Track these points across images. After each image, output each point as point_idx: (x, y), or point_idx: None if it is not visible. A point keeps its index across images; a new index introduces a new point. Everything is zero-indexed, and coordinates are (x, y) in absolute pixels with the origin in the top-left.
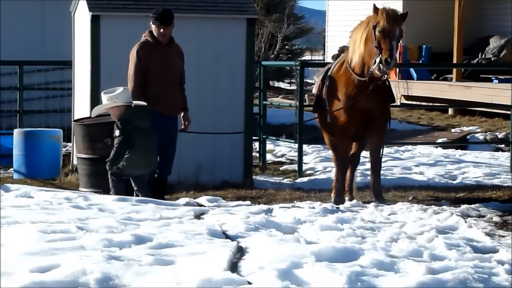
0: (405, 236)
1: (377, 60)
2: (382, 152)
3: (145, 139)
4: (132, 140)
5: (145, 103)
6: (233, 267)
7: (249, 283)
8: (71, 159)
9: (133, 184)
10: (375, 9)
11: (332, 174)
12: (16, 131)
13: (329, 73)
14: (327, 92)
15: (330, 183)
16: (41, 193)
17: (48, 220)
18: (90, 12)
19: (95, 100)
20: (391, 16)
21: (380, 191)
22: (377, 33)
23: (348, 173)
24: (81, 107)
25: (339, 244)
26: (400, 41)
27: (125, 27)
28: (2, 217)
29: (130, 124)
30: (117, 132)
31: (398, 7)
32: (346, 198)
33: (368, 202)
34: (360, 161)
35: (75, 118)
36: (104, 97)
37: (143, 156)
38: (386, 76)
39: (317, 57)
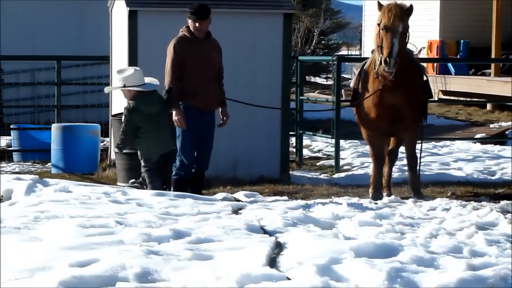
0: (444, 232)
1: (380, 59)
2: (421, 147)
3: (155, 123)
4: (142, 126)
5: (157, 82)
6: (272, 262)
7: (288, 278)
8: (108, 153)
9: (143, 170)
10: (379, 6)
11: (370, 170)
12: (54, 126)
13: (364, 67)
14: (361, 86)
15: (367, 179)
16: (79, 188)
17: (87, 215)
18: (128, 7)
19: None
20: (393, 12)
21: (418, 186)
22: (380, 30)
23: (386, 169)
24: (119, 102)
25: (378, 240)
26: (407, 36)
27: (162, 22)
28: (41, 211)
29: (138, 110)
30: (124, 116)
31: (436, 3)
32: (384, 194)
33: (407, 198)
34: (398, 156)
35: (113, 113)
36: (117, 77)
37: (156, 139)
38: (391, 75)
39: (354, 52)
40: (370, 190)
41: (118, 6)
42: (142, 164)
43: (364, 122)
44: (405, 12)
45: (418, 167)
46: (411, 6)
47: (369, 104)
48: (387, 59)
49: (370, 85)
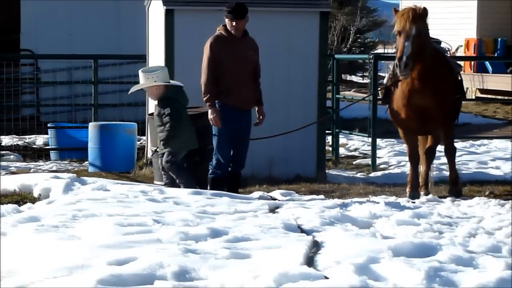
0: (483, 231)
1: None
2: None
3: (186, 118)
4: (180, 119)
5: (181, 84)
6: (309, 261)
7: (326, 277)
8: (145, 152)
9: (166, 166)
10: (395, 11)
11: (407, 168)
12: (91, 125)
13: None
14: (392, 85)
15: (404, 178)
16: (117, 186)
17: (124, 213)
18: (164, 6)
19: None
20: (405, 16)
21: (456, 178)
22: (395, 34)
23: (423, 168)
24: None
25: (416, 239)
26: (423, 38)
27: (199, 21)
28: (79, 209)
29: (177, 101)
30: (166, 111)
31: (473, 2)
32: (422, 193)
33: (445, 197)
34: (436, 155)
35: (149, 112)
36: (143, 76)
37: (187, 134)
38: (405, 77)
39: (390, 50)
40: (407, 189)
41: (154, 5)
42: (166, 159)
43: (396, 121)
44: (419, 15)
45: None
46: (425, 9)
47: (398, 104)
48: (398, 62)
49: (399, 85)
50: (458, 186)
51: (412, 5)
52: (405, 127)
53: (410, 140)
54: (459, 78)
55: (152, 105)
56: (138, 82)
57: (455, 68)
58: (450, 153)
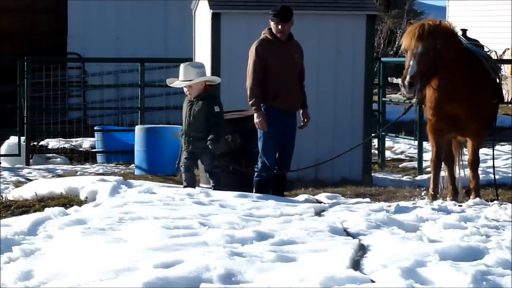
0: None
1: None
2: (493, 152)
3: None
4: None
5: (219, 79)
6: (356, 264)
7: (372, 281)
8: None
9: (213, 170)
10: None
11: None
12: (137, 128)
13: None
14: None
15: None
16: (163, 189)
17: (171, 216)
18: (211, 10)
19: None
20: (412, 32)
21: (478, 189)
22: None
23: (446, 173)
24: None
25: (463, 242)
26: (434, 56)
27: (245, 24)
28: (126, 212)
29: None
30: (216, 109)
31: None
32: (449, 199)
33: (492, 200)
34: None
35: None
36: (193, 70)
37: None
38: (414, 97)
39: None
40: (426, 193)
41: (201, 9)
42: (213, 163)
43: (427, 124)
44: (428, 32)
45: (493, 172)
46: (435, 25)
47: (428, 111)
48: (401, 82)
49: (428, 91)
50: (479, 196)
51: (429, 19)
52: (434, 130)
53: (437, 143)
54: (497, 82)
55: None
56: None
57: (493, 73)
58: (473, 164)
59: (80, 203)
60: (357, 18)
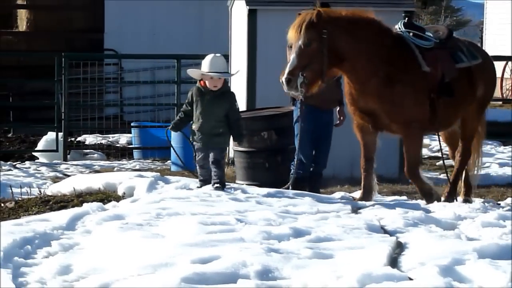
0: None
1: None
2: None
3: None
4: None
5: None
6: (393, 262)
7: (410, 279)
8: (227, 152)
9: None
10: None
11: (491, 170)
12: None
13: None
14: None
15: (488, 179)
16: (212, 177)
17: (208, 212)
18: (247, 6)
19: (251, 92)
20: (295, 24)
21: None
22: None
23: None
24: (238, 101)
25: (502, 241)
26: (322, 48)
27: (282, 21)
28: (163, 208)
29: None
30: (237, 104)
31: None
32: (461, 198)
33: None
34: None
35: None
36: (222, 63)
37: None
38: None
39: None
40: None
41: (237, 5)
42: (221, 154)
43: None
44: (308, 22)
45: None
46: (320, 14)
47: (348, 108)
48: (280, 79)
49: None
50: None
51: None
52: (357, 128)
53: (364, 141)
54: (442, 75)
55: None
56: None
57: (425, 65)
58: (407, 173)
59: (118, 198)
60: (394, 15)
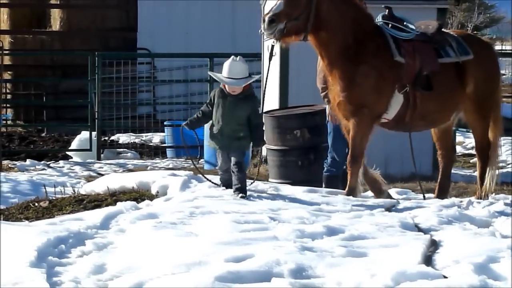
0: None
1: None
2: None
3: None
4: None
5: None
6: (427, 260)
7: (445, 277)
8: (260, 150)
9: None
10: None
11: None
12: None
13: None
14: None
15: None
16: (233, 181)
17: (241, 211)
18: None
19: (284, 92)
20: None
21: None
22: None
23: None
24: (270, 99)
25: None
26: (304, 4)
27: None
28: (196, 206)
29: None
30: (259, 108)
31: None
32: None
33: None
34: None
35: (265, 110)
36: (241, 68)
37: None
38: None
39: (508, 47)
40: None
41: (270, 3)
42: (241, 156)
43: None
44: None
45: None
46: None
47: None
48: (263, 17)
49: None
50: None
51: None
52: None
53: (334, 126)
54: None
55: (267, 103)
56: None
57: (399, 56)
58: (349, 161)
59: (152, 197)
60: (428, 12)
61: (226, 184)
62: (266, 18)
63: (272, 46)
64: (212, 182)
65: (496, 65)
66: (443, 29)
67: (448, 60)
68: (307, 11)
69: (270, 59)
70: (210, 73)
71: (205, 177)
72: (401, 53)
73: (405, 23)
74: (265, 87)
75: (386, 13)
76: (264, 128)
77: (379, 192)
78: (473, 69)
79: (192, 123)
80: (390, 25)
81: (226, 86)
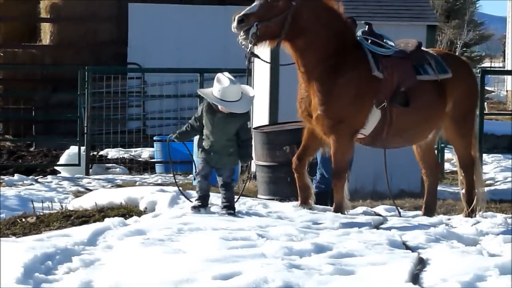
0: None
1: None
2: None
3: None
4: None
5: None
6: (415, 278)
7: None
8: (249, 165)
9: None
10: None
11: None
12: (196, 138)
13: None
14: None
15: (510, 194)
16: (220, 200)
17: (229, 227)
18: None
19: (274, 108)
20: None
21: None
22: None
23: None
24: (260, 115)
25: None
26: (281, 9)
27: None
28: (184, 223)
29: None
30: (249, 124)
31: None
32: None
33: None
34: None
35: (254, 126)
36: (235, 91)
37: None
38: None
39: (497, 64)
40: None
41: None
42: (231, 176)
43: None
44: None
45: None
46: None
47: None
48: (234, 16)
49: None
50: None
51: None
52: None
53: (306, 142)
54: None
55: (256, 119)
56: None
57: (377, 71)
58: (333, 173)
59: (140, 213)
60: (418, 29)
61: (204, 194)
62: (236, 17)
63: (250, 52)
64: (189, 200)
65: (475, 84)
66: (422, 48)
67: (426, 78)
68: (283, 16)
69: (248, 65)
70: (200, 91)
71: (182, 192)
72: (379, 68)
73: (384, 39)
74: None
75: (366, 29)
76: (252, 144)
77: (304, 202)
78: (451, 88)
79: (181, 135)
80: (369, 41)
81: (220, 106)
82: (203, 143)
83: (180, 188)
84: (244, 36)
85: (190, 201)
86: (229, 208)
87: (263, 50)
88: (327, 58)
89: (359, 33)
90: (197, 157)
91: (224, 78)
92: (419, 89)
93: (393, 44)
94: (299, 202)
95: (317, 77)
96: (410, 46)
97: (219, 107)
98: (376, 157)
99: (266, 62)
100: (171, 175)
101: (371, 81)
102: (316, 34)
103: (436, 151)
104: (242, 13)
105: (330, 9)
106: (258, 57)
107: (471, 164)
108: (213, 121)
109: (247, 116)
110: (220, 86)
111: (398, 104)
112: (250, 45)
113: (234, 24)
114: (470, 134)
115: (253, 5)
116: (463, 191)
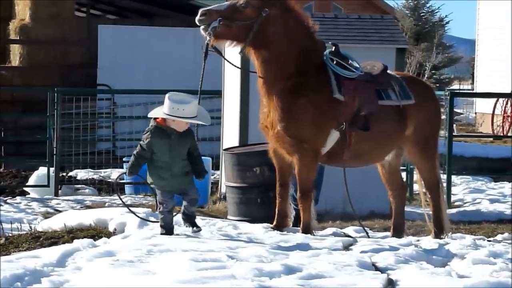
0: None
1: None
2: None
3: None
4: None
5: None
6: None
7: None
8: (219, 187)
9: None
10: None
11: (482, 206)
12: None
13: None
14: None
15: (480, 215)
16: (185, 215)
17: (199, 249)
18: None
19: (244, 129)
20: None
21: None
22: None
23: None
24: (230, 136)
25: (493, 278)
26: (248, 15)
27: None
28: (154, 244)
29: None
30: (196, 140)
31: None
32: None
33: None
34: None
35: (224, 147)
36: (195, 108)
37: None
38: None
39: (465, 86)
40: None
41: None
42: (196, 192)
43: None
44: None
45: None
46: None
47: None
48: (200, 10)
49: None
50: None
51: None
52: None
53: (278, 165)
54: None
55: (226, 140)
56: (213, 118)
57: (339, 94)
58: (299, 196)
59: (109, 235)
60: (387, 51)
61: (168, 228)
62: (200, 11)
63: (207, 45)
64: (143, 219)
65: (437, 109)
66: (388, 71)
67: (389, 103)
68: (249, 24)
69: (205, 57)
70: (151, 114)
71: (133, 213)
72: (341, 90)
73: (350, 61)
74: (200, 86)
75: (333, 49)
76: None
77: (278, 226)
78: (413, 113)
79: (133, 169)
80: (334, 62)
81: (174, 125)
82: (158, 171)
83: (131, 209)
84: (204, 28)
85: (141, 218)
86: (194, 224)
87: (233, 59)
88: (290, 75)
89: (325, 53)
90: (155, 188)
91: (182, 96)
92: (380, 114)
93: (358, 66)
94: (273, 224)
95: (278, 92)
96: (376, 70)
97: (175, 126)
98: (347, 178)
99: (229, 62)
100: (141, 196)
101: (332, 103)
102: (283, 48)
103: (405, 173)
104: (208, 8)
105: (303, 26)
106: (219, 52)
107: (436, 185)
108: (169, 144)
109: (193, 133)
110: (179, 106)
111: (357, 128)
112: (207, 38)
113: (198, 17)
114: (434, 157)
115: (222, 4)
116: (431, 212)
